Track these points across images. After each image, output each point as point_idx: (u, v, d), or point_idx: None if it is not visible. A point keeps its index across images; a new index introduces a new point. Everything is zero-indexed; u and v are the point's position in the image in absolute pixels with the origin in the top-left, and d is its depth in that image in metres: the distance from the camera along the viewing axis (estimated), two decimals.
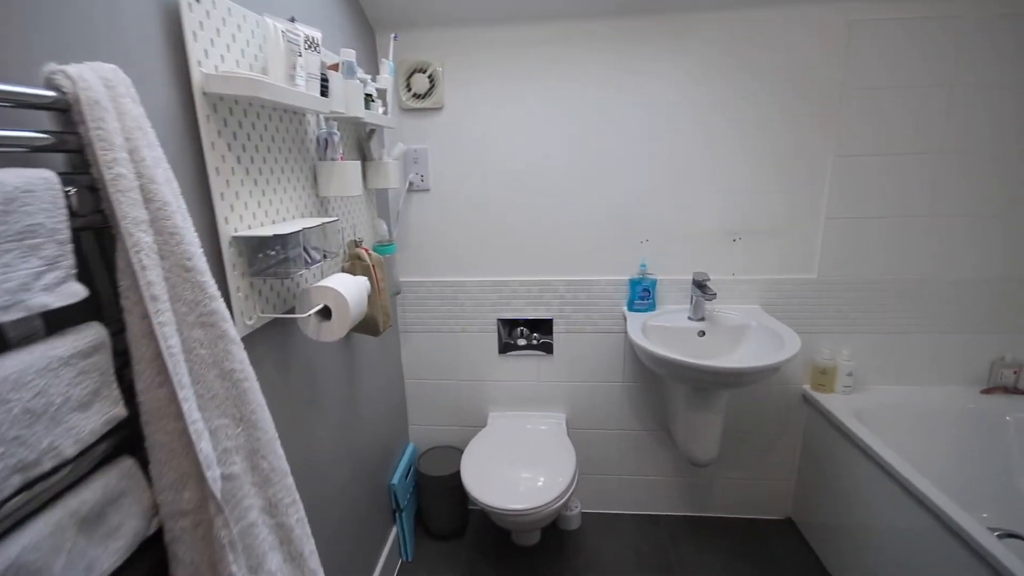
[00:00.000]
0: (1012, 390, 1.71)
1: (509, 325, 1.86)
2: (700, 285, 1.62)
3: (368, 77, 1.31)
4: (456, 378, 1.94)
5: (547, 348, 1.87)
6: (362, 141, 1.43)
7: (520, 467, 1.58)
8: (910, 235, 1.66)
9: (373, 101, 1.27)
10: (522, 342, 1.87)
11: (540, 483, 1.49)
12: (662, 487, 2.00)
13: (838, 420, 1.63)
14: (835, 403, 1.70)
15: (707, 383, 1.52)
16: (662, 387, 1.85)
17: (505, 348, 1.89)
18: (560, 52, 1.61)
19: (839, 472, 1.66)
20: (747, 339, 1.64)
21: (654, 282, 1.74)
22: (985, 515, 1.57)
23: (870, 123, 1.59)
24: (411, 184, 1.75)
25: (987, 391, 1.73)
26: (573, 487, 1.52)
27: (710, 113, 1.63)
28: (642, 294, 1.74)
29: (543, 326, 1.85)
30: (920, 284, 1.70)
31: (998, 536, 1.12)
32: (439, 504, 1.90)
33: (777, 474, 1.94)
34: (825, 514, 1.76)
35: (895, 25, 1.51)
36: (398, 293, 1.65)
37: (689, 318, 1.71)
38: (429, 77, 1.65)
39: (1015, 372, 1.71)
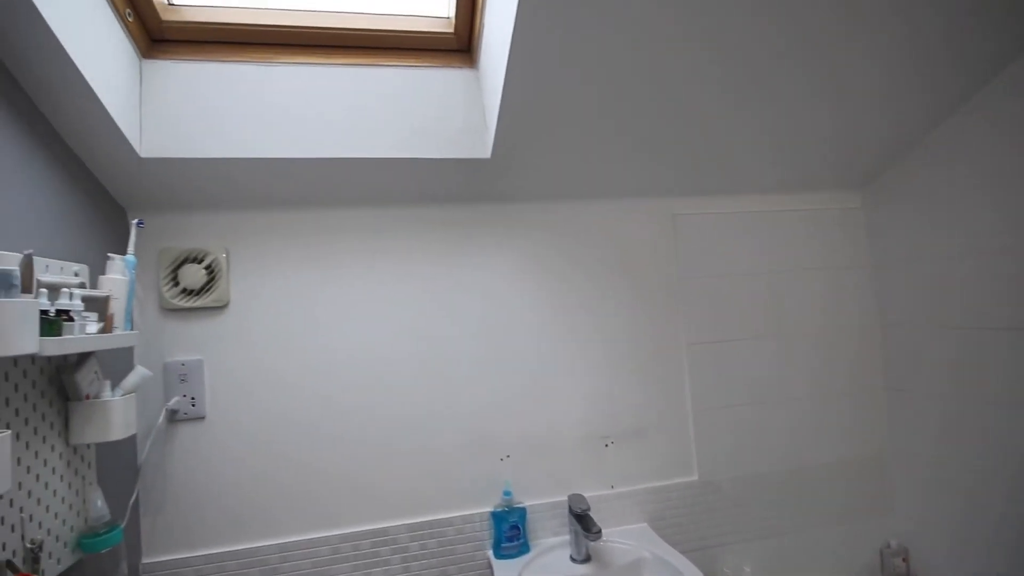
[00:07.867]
0: None
1: None
2: (580, 518, 1.27)
3: (77, 280, 0.86)
4: None
5: None
6: (63, 373, 0.91)
7: None
8: (778, 421, 1.57)
9: (70, 320, 0.80)
10: None
11: None
12: None
13: None
14: None
15: None
16: None
17: None
18: (386, 243, 1.36)
19: None
20: None
21: (523, 512, 1.35)
22: None
23: (711, 309, 1.55)
24: (174, 413, 1.22)
25: None
26: None
27: (560, 307, 1.45)
28: (510, 533, 1.32)
29: None
30: (800, 472, 1.57)
31: None
32: None
33: None
34: None
35: (713, 218, 1.57)
36: None
37: (572, 559, 1.31)
38: (207, 268, 1.25)
39: (903, 560, 1.58)
